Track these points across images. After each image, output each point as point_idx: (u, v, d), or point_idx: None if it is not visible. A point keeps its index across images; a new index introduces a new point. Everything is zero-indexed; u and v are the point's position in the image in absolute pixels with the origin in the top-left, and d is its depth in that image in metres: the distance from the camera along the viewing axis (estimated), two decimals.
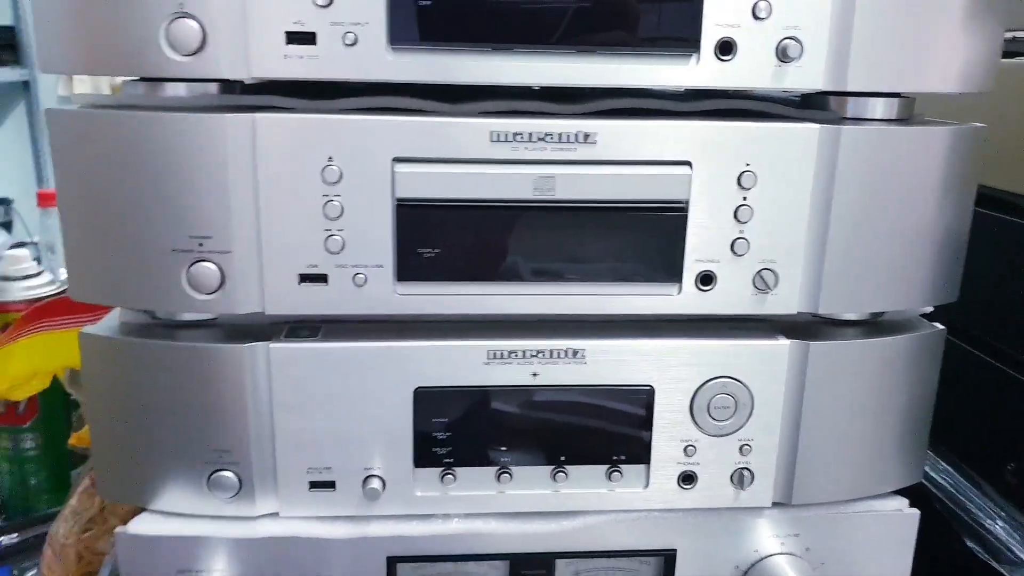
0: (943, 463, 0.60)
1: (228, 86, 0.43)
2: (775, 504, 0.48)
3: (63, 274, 0.75)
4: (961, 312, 0.51)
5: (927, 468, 0.59)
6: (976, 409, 0.59)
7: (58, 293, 0.71)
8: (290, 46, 0.40)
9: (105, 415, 0.45)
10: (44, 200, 1.00)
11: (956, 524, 0.54)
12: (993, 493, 0.56)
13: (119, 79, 0.45)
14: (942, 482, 0.58)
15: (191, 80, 0.41)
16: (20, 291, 0.70)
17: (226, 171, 0.41)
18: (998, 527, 0.53)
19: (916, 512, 0.49)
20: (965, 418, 0.59)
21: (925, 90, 0.44)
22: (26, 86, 2.37)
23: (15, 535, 0.66)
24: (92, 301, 0.44)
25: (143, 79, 0.42)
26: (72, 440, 0.59)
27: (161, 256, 0.42)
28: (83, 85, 2.10)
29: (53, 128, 0.41)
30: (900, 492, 0.50)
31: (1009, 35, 0.60)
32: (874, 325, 0.48)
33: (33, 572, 0.61)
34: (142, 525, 0.45)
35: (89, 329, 0.45)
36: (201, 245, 0.42)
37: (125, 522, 0.46)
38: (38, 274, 0.72)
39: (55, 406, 0.67)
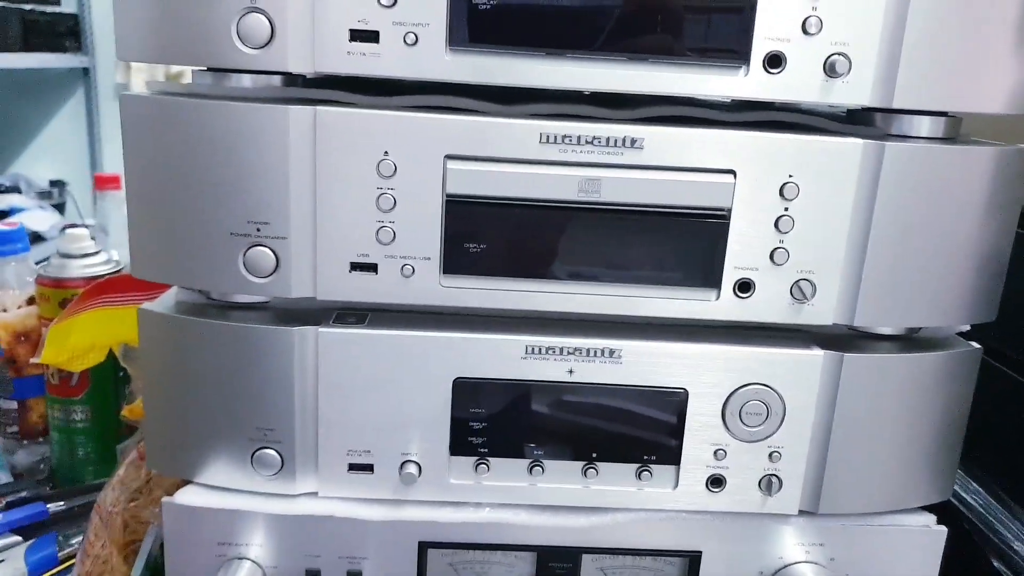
0: (974, 483, 0.59)
1: (291, 79, 0.45)
2: (802, 512, 0.49)
3: (116, 255, 0.78)
4: (998, 332, 0.51)
5: (958, 487, 0.59)
6: (1010, 430, 0.59)
7: (112, 273, 0.74)
8: (353, 43, 0.42)
9: (158, 389, 0.47)
10: (101, 183, 1.03)
11: (984, 544, 0.54)
12: (1023, 515, 0.56)
13: (174, 69, 0.47)
14: (972, 502, 0.58)
15: (258, 72, 0.43)
16: (78, 268, 0.72)
17: (287, 161, 0.42)
18: None
19: (943, 529, 0.49)
20: (999, 439, 0.59)
21: (972, 110, 0.44)
22: (85, 73, 2.45)
23: (62, 503, 0.69)
24: (152, 279, 0.46)
25: (211, 69, 0.44)
26: (124, 412, 0.62)
27: (220, 239, 0.44)
28: (140, 74, 2.16)
29: (125, 112, 0.43)
30: (929, 509, 0.50)
31: None
32: (910, 340, 0.48)
33: (78, 539, 0.63)
34: (187, 496, 0.47)
35: (148, 306, 0.47)
36: (259, 230, 0.43)
37: (170, 494, 0.47)
38: (96, 253, 0.74)
39: (106, 380, 0.70)
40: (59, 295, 0.71)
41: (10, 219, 1.82)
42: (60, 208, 2.37)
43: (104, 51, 2.37)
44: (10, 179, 2.32)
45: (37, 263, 0.78)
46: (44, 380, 0.71)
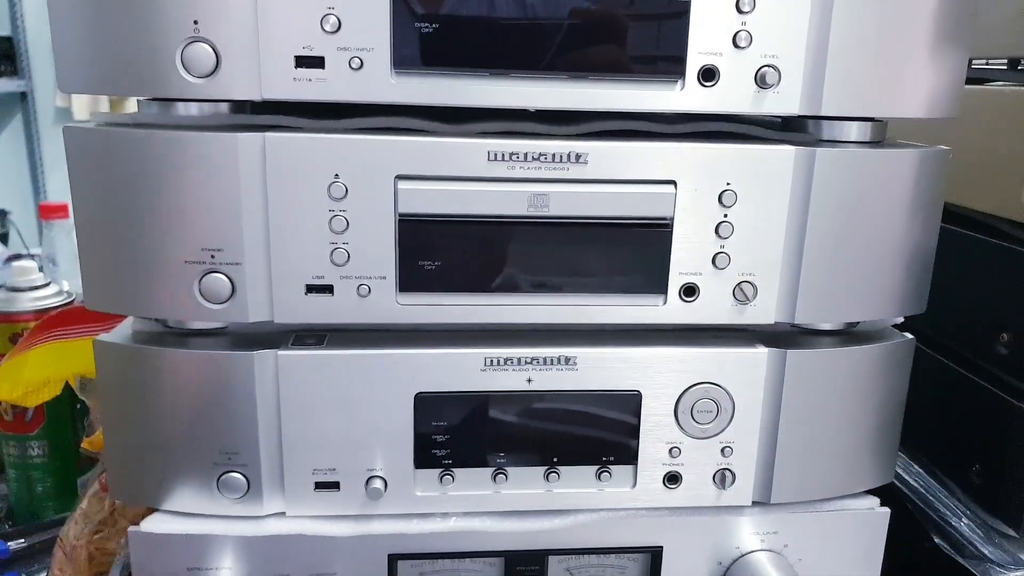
0: (915, 466, 0.62)
1: (238, 106, 0.45)
2: (755, 503, 0.51)
3: (67, 285, 0.77)
4: (930, 322, 0.54)
5: (900, 470, 0.62)
6: (945, 414, 0.61)
7: (63, 304, 0.73)
8: (299, 69, 0.42)
9: (118, 420, 0.47)
10: (47, 212, 1.01)
11: (925, 522, 0.56)
12: (960, 493, 0.59)
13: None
14: (913, 483, 0.60)
15: (205, 100, 0.44)
16: (28, 302, 0.71)
17: (238, 187, 0.43)
18: (963, 525, 0.55)
19: (887, 511, 0.51)
20: (935, 422, 0.62)
21: (894, 115, 0.47)
22: (23, 97, 2.39)
23: (22, 540, 0.67)
24: (107, 310, 0.46)
25: (156, 99, 0.44)
26: (84, 444, 0.61)
27: (174, 268, 0.44)
28: (82, 99, 2.11)
29: (70, 145, 0.43)
30: (873, 492, 0.52)
31: (981, 63, 0.63)
32: (848, 334, 0.51)
33: (42, 575, 0.62)
34: (154, 524, 0.47)
35: (103, 337, 0.47)
36: (213, 257, 0.44)
37: (135, 523, 0.47)
38: (45, 285, 0.73)
39: (63, 413, 0.69)
40: (8, 329, 0.70)
41: None
42: (3, 238, 2.31)
43: (42, 75, 2.32)
44: None
45: None
46: None
